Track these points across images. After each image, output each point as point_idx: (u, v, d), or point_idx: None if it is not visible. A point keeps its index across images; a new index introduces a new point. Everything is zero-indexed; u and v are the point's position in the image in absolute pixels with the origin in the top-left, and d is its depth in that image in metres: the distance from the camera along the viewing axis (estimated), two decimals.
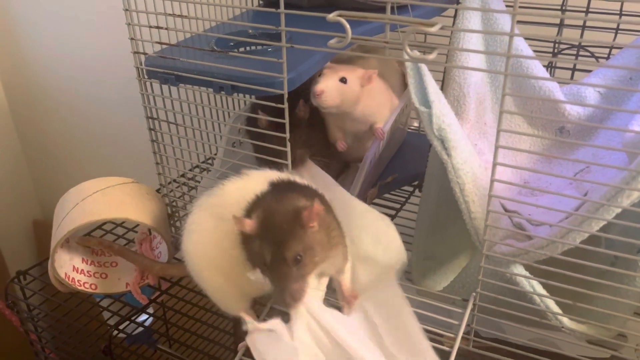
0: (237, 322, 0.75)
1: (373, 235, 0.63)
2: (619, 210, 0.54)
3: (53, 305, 0.82)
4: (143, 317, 0.92)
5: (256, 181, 0.58)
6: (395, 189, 0.96)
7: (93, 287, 0.76)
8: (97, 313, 0.89)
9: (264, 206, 0.53)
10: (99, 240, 0.80)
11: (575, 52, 0.85)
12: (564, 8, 0.84)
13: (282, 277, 0.51)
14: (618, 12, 0.81)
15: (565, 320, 0.61)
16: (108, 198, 0.73)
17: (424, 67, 0.59)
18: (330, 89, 0.71)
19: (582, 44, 0.84)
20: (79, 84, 1.47)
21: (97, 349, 0.80)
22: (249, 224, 0.51)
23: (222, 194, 0.60)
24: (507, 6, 0.79)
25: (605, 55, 0.84)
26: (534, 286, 0.61)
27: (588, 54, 0.85)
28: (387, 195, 0.96)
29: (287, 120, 0.62)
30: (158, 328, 0.96)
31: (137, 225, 0.89)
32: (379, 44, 0.52)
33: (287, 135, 0.63)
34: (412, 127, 1.09)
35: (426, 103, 0.59)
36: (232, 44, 0.74)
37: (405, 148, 1.02)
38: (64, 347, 0.87)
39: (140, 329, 0.84)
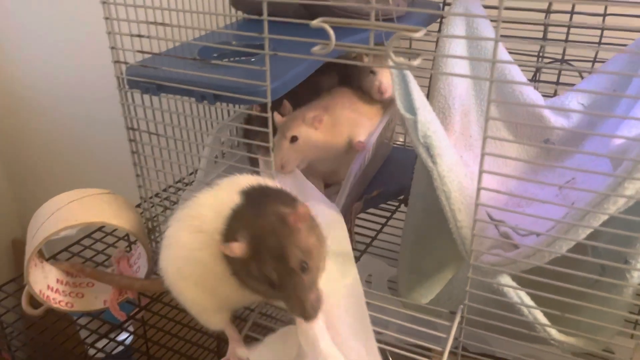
0: (220, 338, 0.73)
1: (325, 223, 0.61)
2: (605, 217, 0.53)
3: (28, 323, 0.79)
4: (123, 335, 0.90)
5: (228, 190, 0.57)
6: (381, 203, 0.95)
7: (69, 305, 0.73)
8: (74, 332, 0.86)
9: (247, 224, 0.51)
10: (70, 264, 0.77)
11: (558, 67, 0.86)
12: (547, 22, 0.84)
13: (297, 290, 0.49)
14: (600, 26, 0.82)
15: (554, 332, 0.60)
16: (85, 206, 0.71)
17: (408, 74, 0.59)
18: (287, 159, 0.72)
19: (565, 58, 0.85)
20: (59, 101, 1.45)
21: None
22: (239, 248, 0.49)
23: (196, 206, 0.58)
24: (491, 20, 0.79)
25: (588, 72, 0.85)
26: (522, 297, 0.60)
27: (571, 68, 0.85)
28: (372, 210, 0.95)
29: (270, 130, 0.61)
30: (139, 347, 0.94)
31: (117, 240, 0.87)
32: (363, 51, 0.51)
33: (271, 144, 0.61)
34: (398, 142, 1.08)
35: (411, 110, 0.59)
36: (215, 55, 0.73)
37: (390, 163, 1.02)
38: None
39: (120, 348, 0.81)
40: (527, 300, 0.59)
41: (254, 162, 0.72)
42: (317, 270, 0.51)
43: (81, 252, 0.85)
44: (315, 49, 0.51)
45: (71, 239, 0.86)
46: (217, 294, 0.57)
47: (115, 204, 0.73)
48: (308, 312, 0.49)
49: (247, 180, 0.58)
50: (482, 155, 0.53)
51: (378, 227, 0.93)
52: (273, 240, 0.49)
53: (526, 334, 0.60)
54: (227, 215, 0.53)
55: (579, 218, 0.54)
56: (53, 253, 0.84)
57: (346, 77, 0.90)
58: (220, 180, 0.59)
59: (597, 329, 0.60)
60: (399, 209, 0.97)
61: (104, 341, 0.77)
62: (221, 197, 0.56)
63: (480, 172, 0.54)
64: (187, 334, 0.77)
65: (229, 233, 0.52)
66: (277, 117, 0.75)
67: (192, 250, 0.56)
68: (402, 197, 0.96)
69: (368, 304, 0.60)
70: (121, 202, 0.74)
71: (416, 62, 0.48)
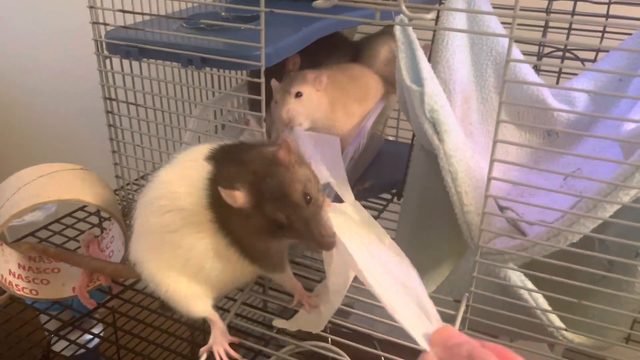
0: (194, 327, 0.68)
1: None
2: (617, 207, 0.50)
3: None
4: (88, 336, 0.82)
5: (192, 160, 0.52)
6: (373, 196, 0.91)
7: (34, 292, 0.66)
8: (40, 324, 0.78)
9: (238, 177, 0.47)
10: (31, 245, 0.69)
11: (560, 56, 0.82)
12: (549, 10, 0.81)
13: (307, 222, 0.47)
14: (604, 15, 0.79)
15: (555, 320, 0.56)
16: (56, 181, 0.64)
17: (416, 42, 0.54)
18: (293, 113, 0.70)
19: (568, 47, 0.82)
20: (20, 90, 1.36)
21: None
22: (240, 197, 0.46)
23: (160, 185, 0.53)
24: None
25: (592, 59, 0.81)
26: (525, 282, 0.56)
27: (573, 57, 0.82)
28: (364, 203, 0.91)
29: (263, 98, 0.55)
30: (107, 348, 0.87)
31: (90, 228, 0.80)
32: (370, 6, 0.47)
33: (263, 114, 0.56)
34: (389, 137, 1.05)
35: (418, 81, 0.54)
36: (202, 25, 0.68)
37: (382, 156, 0.99)
38: None
39: (85, 348, 0.74)
40: (530, 285, 0.56)
41: None
42: (320, 197, 0.49)
43: (49, 238, 0.78)
44: (318, 2, 0.47)
45: (37, 224, 0.79)
46: (201, 276, 0.53)
47: (89, 180, 0.66)
48: (324, 242, 0.47)
49: (206, 147, 0.54)
50: (494, 142, 0.50)
51: None
52: (271, 181, 0.47)
53: (530, 326, 0.55)
54: (205, 185, 0.49)
55: (590, 208, 0.50)
56: (17, 238, 0.76)
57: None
58: (177, 155, 0.54)
59: (605, 329, 0.56)
60: (386, 208, 0.93)
61: (71, 336, 0.69)
62: (188, 168, 0.52)
63: (492, 160, 0.51)
64: (155, 320, 0.71)
65: (224, 182, 0.48)
66: (274, 84, 0.72)
67: (163, 234, 0.51)
68: (394, 190, 0.91)
69: (359, 301, 0.58)
70: (95, 180, 0.67)
71: (430, 16, 0.44)
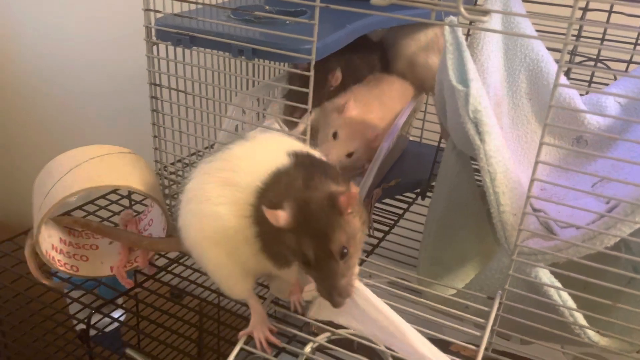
0: (203, 330, 0.70)
1: None
2: None
3: (14, 292, 0.72)
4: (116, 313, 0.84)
5: (268, 146, 0.53)
6: (398, 194, 0.92)
7: (74, 269, 0.67)
8: (64, 305, 0.80)
9: (294, 193, 0.46)
10: (73, 218, 0.71)
11: (592, 66, 0.84)
12: (583, 18, 0.82)
13: (330, 275, 0.46)
14: (638, 27, 0.80)
15: (580, 318, 0.57)
16: (108, 165, 0.65)
17: (464, 44, 0.56)
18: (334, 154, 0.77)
19: (600, 57, 0.83)
20: (44, 73, 1.37)
21: (56, 347, 0.71)
22: (283, 218, 0.45)
23: (229, 157, 0.53)
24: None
25: (623, 70, 0.83)
26: (553, 282, 0.57)
27: (605, 67, 0.83)
28: (389, 201, 0.92)
29: (311, 91, 0.57)
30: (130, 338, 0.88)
31: (122, 210, 0.82)
32: (427, 6, 0.48)
33: (309, 107, 0.58)
34: (413, 137, 1.06)
35: (464, 81, 0.55)
36: (248, 17, 0.69)
37: (407, 156, 1.01)
38: (22, 339, 0.76)
39: (113, 325, 0.75)
40: (559, 284, 0.57)
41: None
42: (356, 255, 0.48)
43: (85, 217, 0.79)
44: (375, 0, 0.48)
45: (70, 204, 0.80)
46: (241, 258, 0.52)
47: (138, 166, 0.67)
48: (335, 300, 0.47)
49: (291, 141, 0.54)
50: (540, 144, 0.51)
51: (395, 218, 0.90)
52: (319, 220, 0.45)
53: (556, 325, 0.57)
54: (271, 173, 0.49)
55: (627, 213, 0.51)
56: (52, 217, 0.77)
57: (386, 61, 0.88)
58: (258, 134, 0.55)
59: (631, 330, 0.58)
60: (415, 202, 0.94)
61: (95, 318, 0.71)
62: (263, 151, 0.52)
63: (536, 162, 0.52)
64: (171, 308, 0.73)
65: (271, 195, 0.48)
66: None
67: (217, 207, 0.51)
68: (418, 190, 0.93)
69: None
70: (142, 165, 0.68)
71: (486, 18, 0.45)
